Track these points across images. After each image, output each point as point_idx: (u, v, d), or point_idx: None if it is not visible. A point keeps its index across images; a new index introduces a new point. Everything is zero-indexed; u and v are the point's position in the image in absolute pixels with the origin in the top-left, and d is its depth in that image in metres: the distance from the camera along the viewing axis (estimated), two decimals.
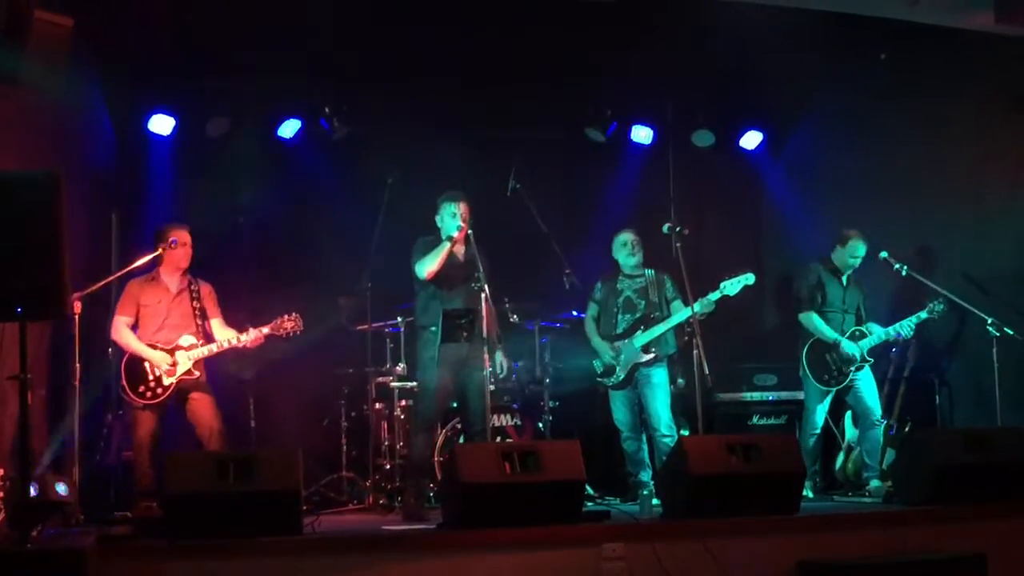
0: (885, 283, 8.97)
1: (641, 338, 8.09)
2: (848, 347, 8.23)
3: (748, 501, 6.20)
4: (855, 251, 8.41)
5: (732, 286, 7.93)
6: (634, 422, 8.19)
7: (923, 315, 8.23)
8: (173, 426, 7.65)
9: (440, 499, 7.31)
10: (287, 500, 5.84)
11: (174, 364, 7.49)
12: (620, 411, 8.21)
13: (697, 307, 7.77)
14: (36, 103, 7.47)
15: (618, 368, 8.15)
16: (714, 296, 7.90)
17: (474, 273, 7.29)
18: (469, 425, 7.63)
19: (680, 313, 8.02)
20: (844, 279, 8.48)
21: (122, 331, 7.59)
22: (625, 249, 8.32)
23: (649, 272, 8.29)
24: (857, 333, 8.30)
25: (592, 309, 8.43)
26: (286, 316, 7.69)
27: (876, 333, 8.29)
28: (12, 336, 5.50)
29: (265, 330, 7.67)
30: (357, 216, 8.92)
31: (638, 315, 8.20)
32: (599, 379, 8.30)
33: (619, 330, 8.23)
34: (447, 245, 7.45)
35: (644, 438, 8.21)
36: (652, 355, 8.05)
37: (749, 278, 7.95)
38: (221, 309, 7.88)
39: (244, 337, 7.66)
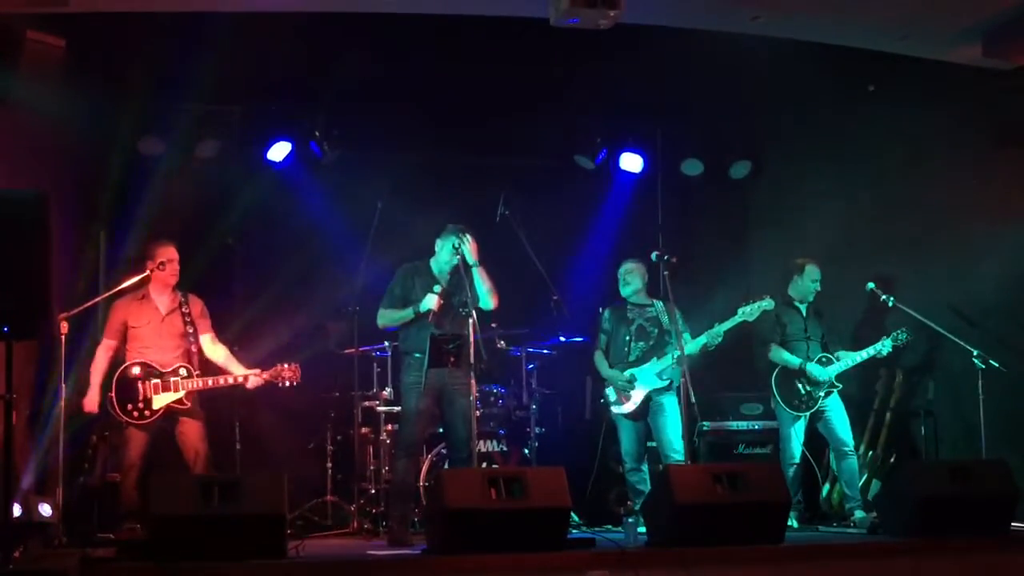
0: (851, 311, 9.07)
1: (656, 365, 8.05)
2: (815, 369, 8.23)
3: (733, 530, 6.21)
4: (814, 275, 8.46)
5: (751, 312, 7.98)
6: (640, 453, 8.13)
7: (887, 342, 8.26)
8: (165, 449, 7.61)
9: (425, 524, 7.29)
10: (272, 524, 5.81)
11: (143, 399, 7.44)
12: (628, 441, 8.14)
13: (705, 339, 7.91)
14: (27, 122, 7.49)
15: (632, 395, 8.10)
16: (726, 325, 7.95)
17: (461, 298, 7.28)
18: (453, 451, 7.57)
19: (696, 341, 7.98)
20: (804, 309, 8.50)
21: (98, 355, 7.52)
22: (621, 280, 8.28)
23: (658, 303, 8.20)
24: (824, 359, 8.31)
25: (602, 341, 8.32)
26: (285, 365, 7.69)
27: (844, 359, 8.31)
28: None
29: (265, 375, 7.66)
30: (346, 240, 8.92)
31: (651, 342, 8.15)
32: (612, 407, 8.20)
33: (632, 357, 8.17)
34: (411, 314, 7.40)
35: (646, 468, 8.16)
36: (667, 381, 8.01)
37: (769, 303, 8.01)
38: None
39: (242, 379, 7.61)
